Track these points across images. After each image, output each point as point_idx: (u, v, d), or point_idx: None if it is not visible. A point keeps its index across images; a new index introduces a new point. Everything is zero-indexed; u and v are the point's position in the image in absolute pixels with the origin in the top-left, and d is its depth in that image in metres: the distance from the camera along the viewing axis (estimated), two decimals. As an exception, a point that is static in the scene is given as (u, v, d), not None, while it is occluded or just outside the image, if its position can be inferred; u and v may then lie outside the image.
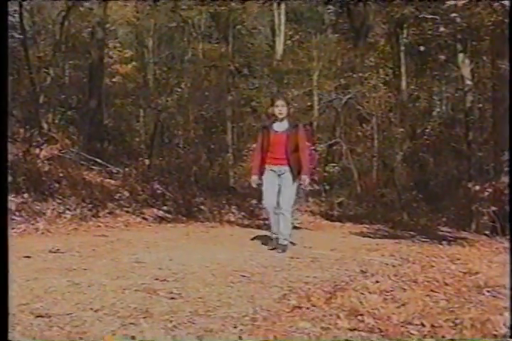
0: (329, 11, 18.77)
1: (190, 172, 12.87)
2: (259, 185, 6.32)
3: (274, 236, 6.46)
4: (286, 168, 6.22)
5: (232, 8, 16.20)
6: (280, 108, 6.26)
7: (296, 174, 6.23)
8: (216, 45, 17.58)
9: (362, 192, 14.69)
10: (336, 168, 14.71)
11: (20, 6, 13.28)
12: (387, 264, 5.45)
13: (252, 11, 18.10)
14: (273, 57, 16.55)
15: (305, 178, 6.19)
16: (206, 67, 16.59)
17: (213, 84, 16.28)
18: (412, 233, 10.64)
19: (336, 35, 18.01)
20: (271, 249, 6.30)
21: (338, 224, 12.31)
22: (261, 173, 6.30)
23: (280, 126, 6.29)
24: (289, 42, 17.20)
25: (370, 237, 9.42)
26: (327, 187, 14.43)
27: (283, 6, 16.44)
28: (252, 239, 7.43)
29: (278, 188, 6.25)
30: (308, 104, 15.49)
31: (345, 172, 14.93)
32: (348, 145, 15.02)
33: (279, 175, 6.26)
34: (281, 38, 16.31)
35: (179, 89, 14.83)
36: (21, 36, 13.82)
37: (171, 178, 12.43)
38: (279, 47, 16.26)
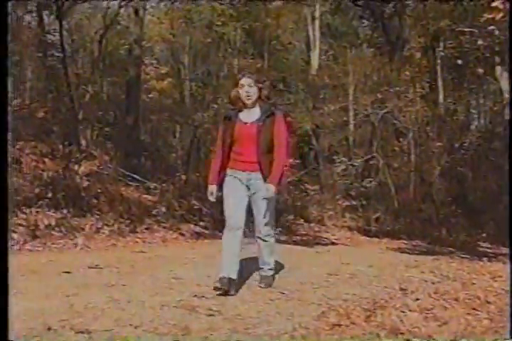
0: (364, 25, 18.75)
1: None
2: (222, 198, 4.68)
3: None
4: (258, 174, 4.55)
5: (267, 24, 16.27)
6: (247, 89, 4.53)
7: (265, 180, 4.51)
8: (251, 60, 17.64)
9: (399, 207, 14.50)
10: (373, 183, 14.55)
11: (61, 25, 13.54)
12: (426, 281, 5.36)
13: (287, 27, 18.19)
14: (308, 72, 16.55)
15: (271, 188, 4.42)
16: (242, 82, 16.59)
17: (248, 100, 16.24)
18: (451, 249, 10.48)
19: (372, 49, 17.96)
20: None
21: (375, 239, 12.22)
22: (221, 181, 4.65)
23: (249, 116, 4.61)
24: (324, 57, 17.21)
25: (408, 253, 9.30)
26: (364, 203, 14.30)
27: (317, 21, 16.46)
28: (289, 256, 7.38)
29: (247, 202, 4.63)
30: (344, 119, 15.41)
31: (382, 187, 14.76)
32: (384, 160, 14.87)
33: (247, 186, 4.61)
34: (317, 52, 16.31)
35: (215, 105, 14.88)
36: (61, 54, 14.07)
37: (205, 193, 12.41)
38: (315, 62, 16.26)
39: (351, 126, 15.45)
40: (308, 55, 17.01)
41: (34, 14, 14.91)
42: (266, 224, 4.73)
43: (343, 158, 14.54)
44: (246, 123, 4.59)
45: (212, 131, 14.50)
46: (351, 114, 15.37)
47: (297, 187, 14.32)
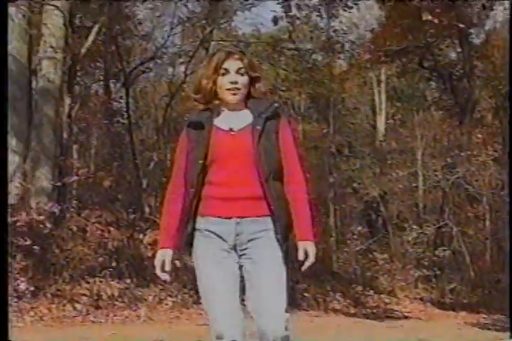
0: (431, 87, 18.49)
1: (291, 257, 12.54)
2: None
3: None
4: (259, 221, 2.57)
5: (332, 89, 16.23)
6: (234, 78, 2.63)
7: (284, 232, 2.57)
8: (316, 125, 17.60)
9: (476, 277, 13.84)
10: (447, 251, 14.04)
11: (127, 93, 13.82)
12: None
13: (352, 91, 18.14)
14: (374, 137, 16.37)
15: (311, 248, 2.49)
16: (307, 148, 16.55)
17: (314, 165, 16.14)
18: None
19: (440, 112, 17.62)
20: None
21: (451, 313, 11.79)
22: (182, 243, 2.63)
23: (233, 120, 2.66)
24: (390, 120, 17.02)
25: (488, 329, 8.72)
26: (437, 273, 13.78)
27: (383, 84, 16.35)
28: (358, 331, 6.94)
29: (241, 279, 2.57)
30: (414, 184, 15.00)
31: (457, 256, 14.20)
32: (458, 227, 14.32)
33: (235, 247, 2.58)
34: (383, 116, 16.18)
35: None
36: (126, 121, 14.32)
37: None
38: (381, 126, 16.09)
39: (421, 192, 15.07)
40: (374, 119, 16.87)
41: (101, 83, 15.35)
42: (274, 316, 2.49)
43: (414, 226, 14.09)
44: (231, 130, 2.62)
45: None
46: (420, 179, 14.99)
47: (366, 256, 13.93)
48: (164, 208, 2.72)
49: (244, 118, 2.68)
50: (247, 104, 2.72)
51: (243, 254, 2.59)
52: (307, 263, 2.50)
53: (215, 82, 2.67)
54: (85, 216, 9.86)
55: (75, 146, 12.47)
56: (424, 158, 15.18)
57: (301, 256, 2.49)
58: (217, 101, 2.71)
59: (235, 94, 2.65)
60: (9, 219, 7.71)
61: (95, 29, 10.17)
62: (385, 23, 15.26)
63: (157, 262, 2.60)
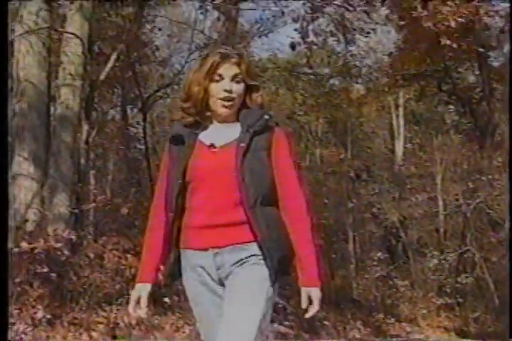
0: (450, 110, 18.34)
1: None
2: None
3: None
4: (246, 246, 2.19)
5: (349, 113, 16.17)
6: (228, 85, 2.26)
7: (280, 268, 2.17)
8: (334, 150, 17.52)
9: (500, 305, 13.49)
10: (469, 278, 13.77)
11: (144, 118, 13.82)
12: None
13: (370, 115, 18.07)
14: (393, 161, 16.23)
15: (316, 294, 2.16)
16: (325, 173, 16.45)
17: (332, 191, 16.02)
18: None
19: (460, 135, 17.48)
20: None
21: None
22: (156, 276, 2.30)
23: (219, 135, 2.30)
24: (409, 145, 16.89)
25: (517, 361, 8.43)
26: (460, 300, 13.52)
27: (401, 108, 16.26)
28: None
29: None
30: (434, 209, 14.80)
31: (480, 283, 13.90)
32: (480, 253, 14.05)
33: (220, 282, 2.25)
34: (401, 140, 16.07)
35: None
36: (143, 147, 14.31)
37: (291, 291, 11.98)
38: (399, 151, 15.97)
39: (441, 217, 14.84)
40: (393, 143, 16.76)
41: (119, 108, 15.42)
42: None
43: (435, 252, 13.84)
44: (212, 146, 2.26)
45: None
46: (441, 204, 14.80)
47: (386, 282, 13.70)
48: (145, 236, 2.34)
49: (232, 132, 2.29)
50: (240, 115, 2.33)
51: (222, 284, 2.25)
52: (311, 312, 2.17)
53: (206, 90, 2.27)
54: (102, 243, 9.78)
55: (92, 172, 12.45)
56: (444, 182, 15.00)
57: (304, 304, 2.18)
58: (208, 113, 2.32)
59: (226, 107, 2.27)
60: (27, 246, 7.66)
61: (114, 56, 10.20)
62: (402, 47, 15.21)
63: (132, 298, 2.26)
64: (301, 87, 16.35)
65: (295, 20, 10.25)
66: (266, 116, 2.29)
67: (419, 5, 8.93)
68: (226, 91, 2.25)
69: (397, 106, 16.45)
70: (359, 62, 15.60)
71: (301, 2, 10.00)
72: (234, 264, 2.18)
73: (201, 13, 12.64)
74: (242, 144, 2.22)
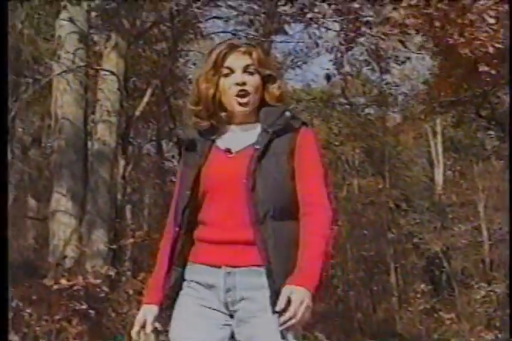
0: (490, 136, 17.91)
1: (353, 317, 12.05)
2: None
3: None
4: (257, 270, 1.86)
5: (386, 142, 15.96)
6: (240, 78, 1.97)
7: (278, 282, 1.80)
8: (372, 180, 17.25)
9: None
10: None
11: (179, 152, 13.81)
12: None
13: (407, 143, 17.81)
14: (433, 190, 15.89)
15: (301, 293, 1.74)
16: (363, 203, 16.19)
17: (371, 222, 15.74)
18: None
19: (501, 161, 17.04)
20: None
21: None
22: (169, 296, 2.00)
23: (238, 137, 2.01)
24: (449, 172, 16.54)
25: None
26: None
27: (439, 135, 15.99)
28: None
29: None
30: (478, 239, 14.36)
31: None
32: (530, 284, 13.49)
33: (226, 306, 1.92)
34: (441, 168, 15.76)
35: (335, 227, 14.41)
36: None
37: (331, 324, 11.67)
38: (439, 179, 15.65)
39: (486, 247, 14.32)
40: (432, 171, 16.44)
41: (154, 142, 15.47)
42: None
43: (482, 283, 13.31)
44: (228, 151, 1.98)
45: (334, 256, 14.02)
46: (485, 233, 14.31)
47: (431, 315, 13.21)
48: (159, 253, 2.08)
49: (251, 134, 1.98)
50: (260, 114, 2.01)
51: (231, 311, 1.93)
52: (284, 316, 1.72)
53: (217, 86, 1.98)
54: (141, 279, 9.67)
55: (128, 207, 12.46)
56: (487, 210, 14.57)
57: (279, 305, 1.73)
58: (223, 114, 2.02)
59: (241, 104, 1.96)
60: (66, 283, 7.60)
61: (149, 91, 10.25)
62: (438, 74, 15.00)
63: (137, 321, 1.97)
64: (336, 117, 16.24)
65: (329, 51, 10.18)
66: (287, 114, 1.97)
67: (455, 32, 8.76)
68: (238, 84, 1.95)
69: (435, 134, 16.15)
70: (394, 90, 15.43)
71: (335, 33, 9.93)
72: (245, 290, 1.89)
73: (234, 47, 12.65)
74: (257, 146, 1.91)
